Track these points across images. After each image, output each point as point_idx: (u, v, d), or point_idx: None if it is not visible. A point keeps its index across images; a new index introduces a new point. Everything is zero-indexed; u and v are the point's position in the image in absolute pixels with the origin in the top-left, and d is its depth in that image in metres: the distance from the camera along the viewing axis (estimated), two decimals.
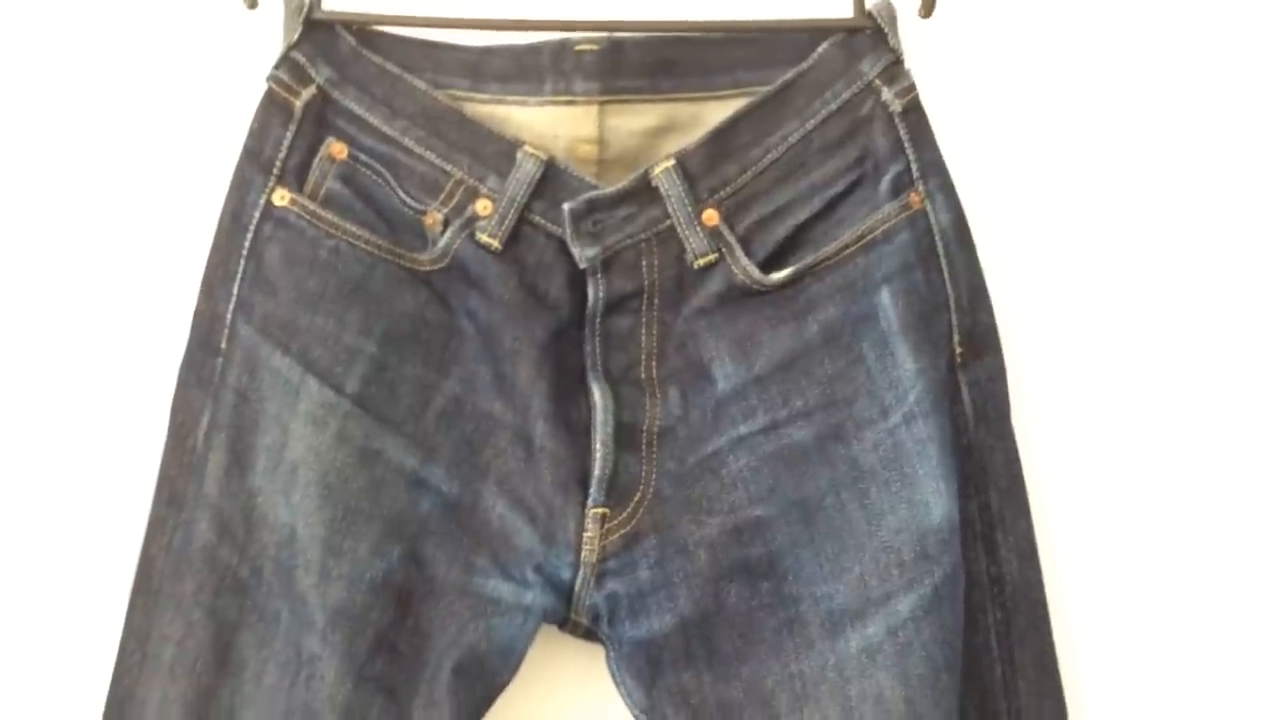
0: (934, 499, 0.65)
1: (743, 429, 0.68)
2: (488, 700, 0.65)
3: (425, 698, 0.64)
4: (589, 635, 0.69)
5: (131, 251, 0.74)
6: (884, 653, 0.64)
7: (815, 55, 0.70)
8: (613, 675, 0.67)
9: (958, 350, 0.69)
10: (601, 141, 0.71)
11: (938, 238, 0.68)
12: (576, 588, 0.66)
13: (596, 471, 0.67)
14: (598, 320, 0.68)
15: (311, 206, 0.68)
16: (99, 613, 0.69)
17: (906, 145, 0.69)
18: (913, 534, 0.65)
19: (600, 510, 0.67)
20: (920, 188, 0.69)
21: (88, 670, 0.69)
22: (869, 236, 0.68)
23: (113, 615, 0.68)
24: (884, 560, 0.65)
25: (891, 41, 0.70)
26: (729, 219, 0.69)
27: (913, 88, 0.69)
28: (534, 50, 0.70)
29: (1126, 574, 0.74)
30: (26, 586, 0.71)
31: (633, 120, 0.71)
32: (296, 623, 0.65)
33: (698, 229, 0.68)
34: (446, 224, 0.69)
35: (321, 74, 0.69)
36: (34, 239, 0.74)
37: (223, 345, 0.68)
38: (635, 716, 0.67)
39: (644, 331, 0.69)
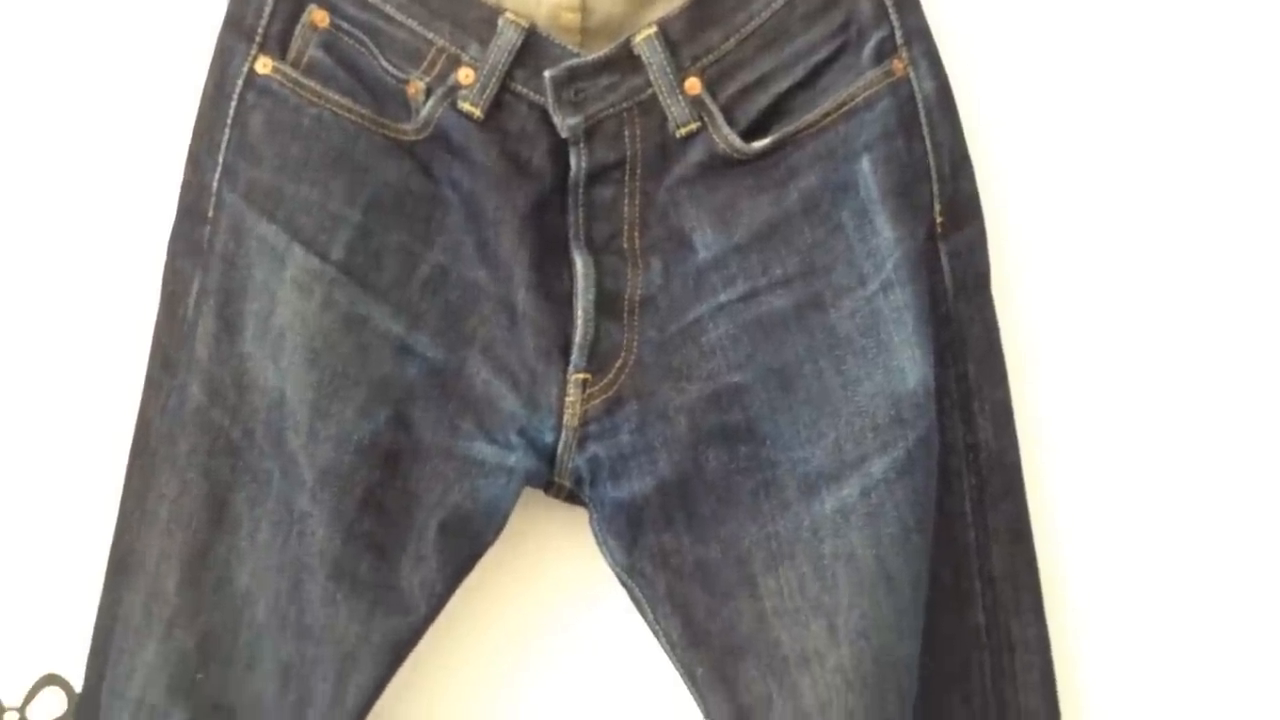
0: (909, 365, 0.66)
1: (723, 297, 0.69)
2: (473, 558, 0.68)
3: (413, 554, 0.67)
4: (572, 498, 0.71)
5: (119, 128, 0.74)
6: (857, 513, 0.66)
7: None
8: (595, 536, 0.69)
9: (938, 219, 0.69)
10: (584, 9, 0.70)
11: (920, 105, 0.68)
12: (559, 451, 0.68)
13: (578, 338, 0.68)
14: (580, 190, 0.69)
15: (294, 75, 0.68)
16: (101, 476, 0.72)
17: (891, 11, 0.69)
18: (887, 399, 0.66)
19: (582, 376, 0.68)
20: (904, 55, 0.69)
21: (92, 529, 0.72)
22: (851, 104, 0.68)
23: (114, 479, 0.70)
24: (859, 425, 0.67)
25: None
26: (711, 87, 0.68)
27: None
28: None
29: (1102, 443, 0.75)
30: (32, 454, 0.74)
31: None
32: (287, 482, 0.67)
33: (680, 98, 0.68)
34: (429, 93, 0.69)
35: None
36: (26, 110, 0.75)
37: (210, 214, 0.69)
38: (617, 575, 0.69)
39: (626, 201, 0.70)
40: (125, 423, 0.70)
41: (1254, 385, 0.76)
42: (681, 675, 0.67)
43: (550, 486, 0.70)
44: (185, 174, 0.70)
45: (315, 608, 0.65)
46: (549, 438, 0.68)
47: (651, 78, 0.68)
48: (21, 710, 0.73)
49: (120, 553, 0.69)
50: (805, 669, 0.65)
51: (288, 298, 0.66)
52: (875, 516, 0.66)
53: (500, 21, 0.68)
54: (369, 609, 0.65)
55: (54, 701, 0.73)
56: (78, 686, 0.70)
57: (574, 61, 0.68)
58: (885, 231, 0.67)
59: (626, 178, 0.69)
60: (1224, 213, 0.77)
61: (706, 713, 0.67)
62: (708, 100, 0.68)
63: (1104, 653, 0.74)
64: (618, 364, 0.69)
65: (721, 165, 0.68)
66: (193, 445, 0.67)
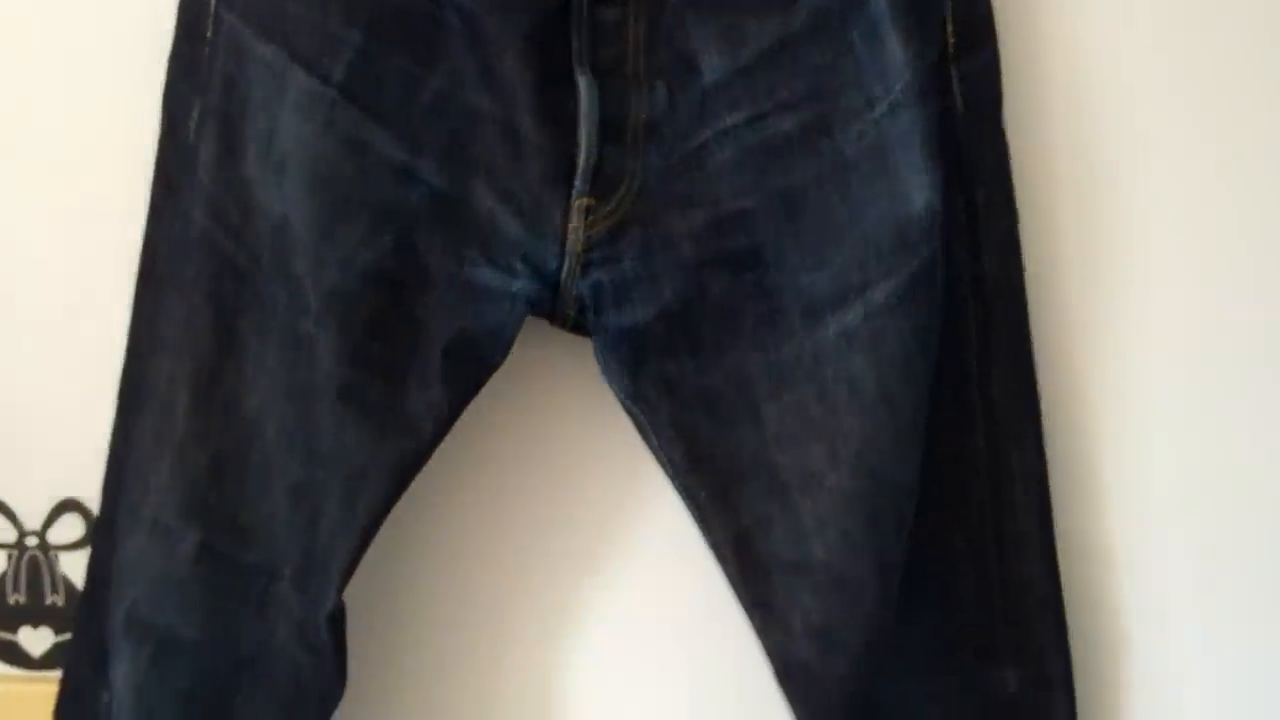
0: (915, 190, 0.66)
1: (728, 121, 0.68)
2: (478, 382, 0.68)
3: (419, 377, 0.67)
4: (577, 328, 0.71)
5: None
6: (859, 338, 0.66)
7: None
8: (599, 363, 0.69)
9: (951, 41, 0.68)
10: None
11: None
12: (562, 277, 0.68)
13: (581, 163, 0.67)
14: (584, 12, 0.67)
15: None
16: (112, 303, 0.71)
17: None
18: (893, 224, 0.66)
19: (585, 201, 0.68)
20: None
21: (107, 355, 0.72)
22: None
23: (125, 305, 0.70)
24: (864, 250, 0.66)
25: None
26: None
27: None
28: None
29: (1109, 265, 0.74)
30: (42, 284, 0.74)
31: None
32: (293, 307, 0.67)
33: None
34: None
35: None
36: None
37: (208, 34, 0.68)
38: (621, 402, 0.69)
39: (631, 24, 0.68)
40: (134, 248, 0.69)
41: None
42: (684, 499, 0.69)
43: (555, 315, 0.70)
44: None
45: (323, 431, 0.66)
46: (553, 264, 0.68)
47: None
48: (41, 534, 0.75)
49: (131, 378, 0.70)
50: (805, 490, 0.67)
51: (289, 120, 0.66)
52: (877, 341, 0.66)
53: None
54: (377, 431, 0.66)
55: (73, 525, 0.74)
56: (95, 511, 0.71)
57: None
58: (895, 51, 0.65)
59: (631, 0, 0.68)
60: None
61: (708, 534, 0.68)
62: None
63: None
64: (622, 190, 0.68)
65: None
66: (198, 270, 0.67)
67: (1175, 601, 0.75)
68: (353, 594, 0.67)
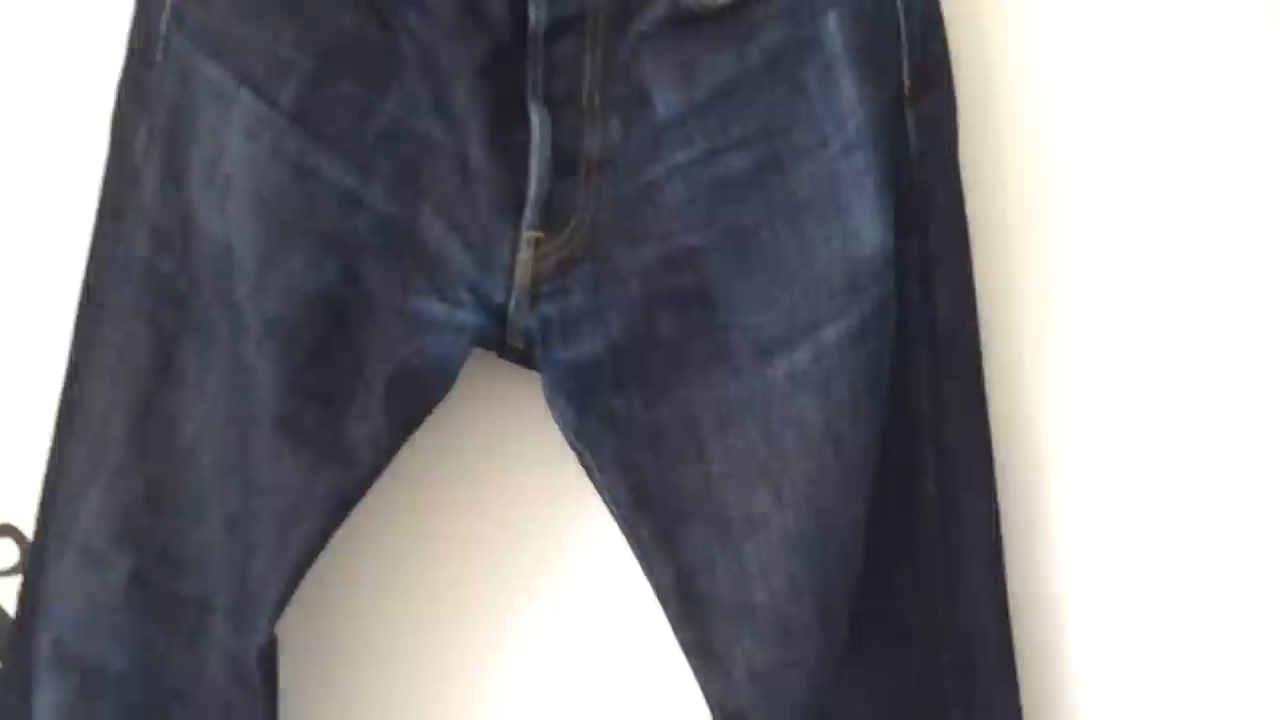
0: (867, 230, 0.65)
1: (681, 157, 0.67)
2: (420, 414, 0.67)
3: (360, 409, 0.66)
4: (525, 361, 0.70)
5: None
6: (808, 379, 0.65)
7: None
8: (546, 398, 0.68)
9: (906, 82, 0.67)
10: None
11: None
12: (510, 311, 0.67)
13: (532, 196, 0.67)
14: (540, 43, 0.67)
15: None
16: (55, 327, 0.70)
17: None
18: (844, 264, 0.65)
19: (534, 235, 0.67)
20: None
21: (47, 378, 0.71)
22: None
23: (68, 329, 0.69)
24: (814, 291, 0.66)
25: None
26: None
27: None
28: None
29: (1073, 303, 0.74)
30: None
31: None
32: (234, 334, 0.66)
33: None
34: None
35: None
36: None
37: (158, 57, 0.67)
38: (566, 438, 0.68)
39: (587, 57, 0.67)
40: (80, 270, 0.68)
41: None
42: (627, 538, 0.67)
43: (502, 348, 0.69)
44: (134, 16, 0.68)
45: (260, 460, 0.65)
46: (500, 297, 0.67)
47: None
48: None
49: (68, 402, 0.68)
50: (749, 532, 0.66)
51: (235, 144, 0.65)
52: (826, 382, 0.65)
53: None
54: (313, 461, 0.65)
55: (8, 551, 0.73)
56: (30, 536, 0.70)
57: None
58: (849, 91, 0.65)
59: (588, 32, 0.67)
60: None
61: (650, 574, 0.67)
62: None
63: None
64: (572, 224, 0.67)
65: (685, 20, 0.66)
66: (138, 294, 0.66)
67: (1129, 652, 0.74)
68: (286, 628, 0.66)
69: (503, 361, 0.70)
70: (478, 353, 0.70)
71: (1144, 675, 0.74)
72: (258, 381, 0.65)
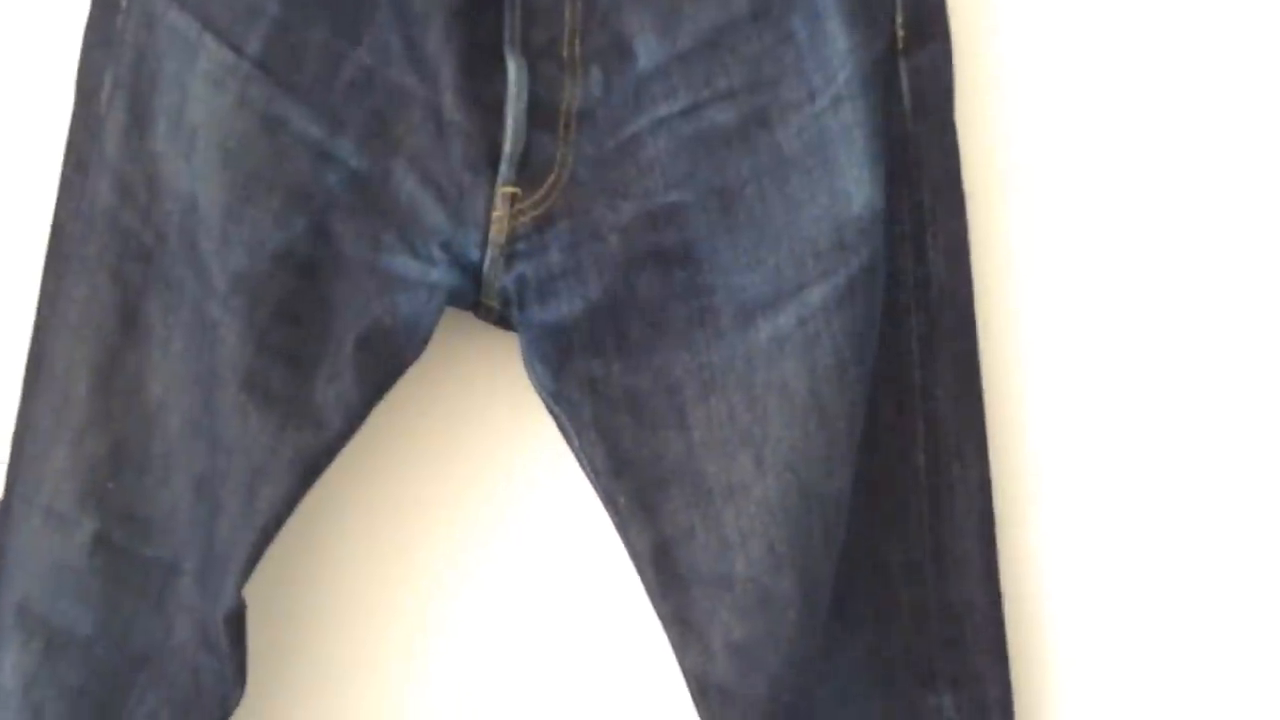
0: (856, 187, 0.63)
1: (663, 110, 0.65)
2: (392, 375, 0.65)
3: (328, 369, 0.64)
4: (502, 322, 0.68)
5: None
6: (792, 343, 0.63)
7: None
8: (523, 360, 0.66)
9: (900, 33, 0.65)
10: None
11: None
12: (485, 269, 0.65)
13: (507, 149, 0.64)
14: None
15: None
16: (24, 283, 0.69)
17: None
18: (831, 223, 0.63)
19: (510, 190, 0.65)
20: None
21: (14, 336, 0.69)
22: None
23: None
24: (800, 250, 0.63)
25: None
26: None
27: None
28: None
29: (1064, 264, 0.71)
30: None
31: None
32: (200, 290, 0.64)
33: None
34: None
35: None
36: None
37: (123, 3, 0.65)
38: (544, 401, 0.66)
39: (568, 4, 0.65)
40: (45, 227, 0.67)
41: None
42: (604, 504, 0.65)
43: (478, 308, 0.67)
44: None
45: (226, 419, 0.63)
46: (474, 254, 0.65)
47: None
48: None
49: (34, 358, 0.66)
50: (729, 500, 0.63)
51: (200, 93, 0.63)
52: (811, 346, 0.63)
53: None
54: (281, 422, 0.63)
55: None
56: None
57: None
58: (839, 41, 0.63)
59: None
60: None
61: (627, 543, 0.65)
62: None
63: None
64: (550, 179, 0.65)
65: None
66: (102, 248, 0.65)
67: (1123, 627, 0.71)
68: (256, 593, 0.64)
69: (479, 323, 0.68)
70: (453, 313, 0.67)
71: (1138, 649, 0.71)
72: (223, 339, 0.63)
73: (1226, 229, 0.73)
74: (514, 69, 0.65)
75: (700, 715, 0.64)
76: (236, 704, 0.64)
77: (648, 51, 0.65)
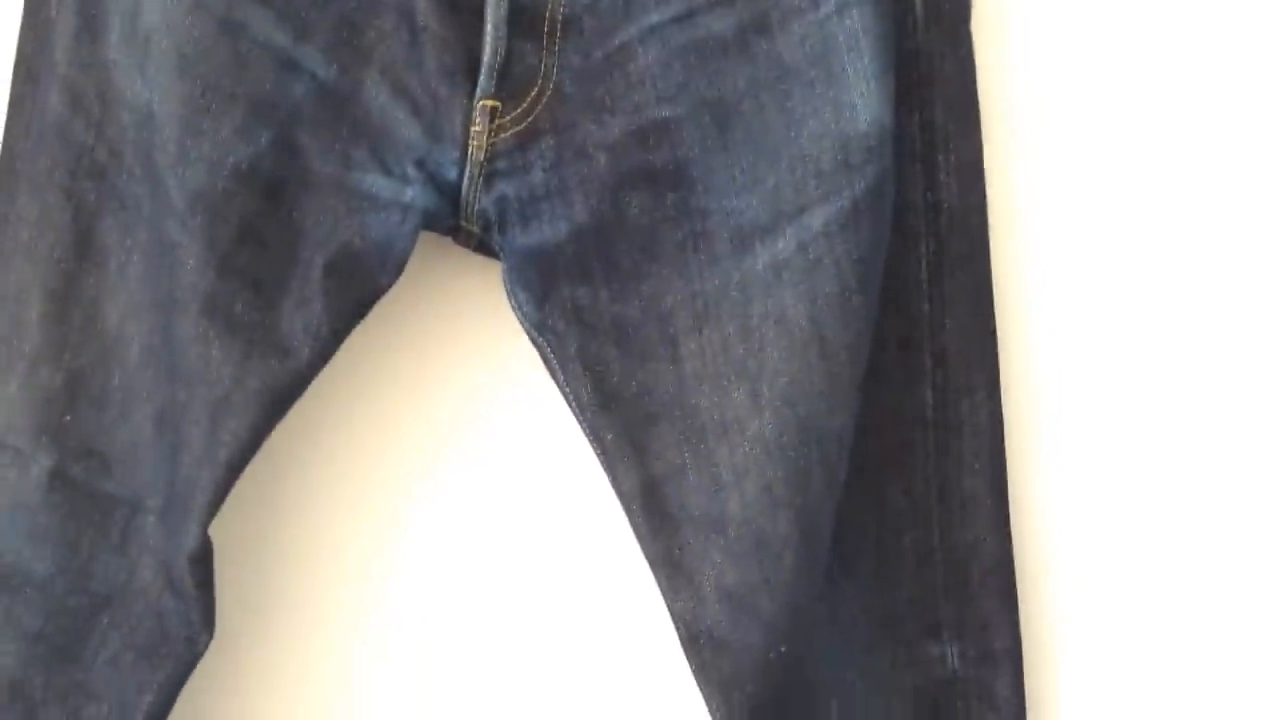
0: (862, 102, 0.59)
1: (654, 17, 0.60)
2: (365, 303, 0.61)
3: (296, 295, 0.60)
4: (484, 249, 0.64)
5: None
6: (791, 269, 0.59)
7: None
8: (505, 288, 0.62)
9: None
10: None
11: None
12: (464, 189, 0.61)
13: (486, 58, 0.60)
14: None
15: None
16: None
17: None
18: (835, 140, 0.59)
19: (490, 103, 0.60)
20: None
21: None
22: None
23: None
24: (801, 170, 0.59)
25: None
26: None
27: None
28: None
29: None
30: None
31: None
32: (158, 209, 0.60)
33: None
34: None
35: None
36: None
37: None
38: (527, 332, 0.63)
39: None
40: None
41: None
42: (590, 441, 0.62)
43: (458, 233, 0.64)
44: None
45: (186, 348, 0.59)
46: (452, 173, 0.61)
47: None
48: None
49: None
50: (723, 437, 0.60)
51: None
52: (811, 273, 0.59)
53: None
54: (244, 351, 0.59)
55: None
56: None
57: None
58: None
59: None
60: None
61: (615, 482, 0.62)
62: None
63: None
64: (533, 92, 0.61)
65: None
66: (53, 164, 0.61)
67: (1133, 572, 0.68)
68: (222, 531, 0.61)
69: (459, 249, 0.64)
70: (431, 240, 0.64)
71: (1153, 598, 0.68)
72: (182, 262, 0.59)
73: (1244, 159, 0.69)
74: None
75: (690, 663, 0.61)
76: (205, 648, 0.61)
77: None
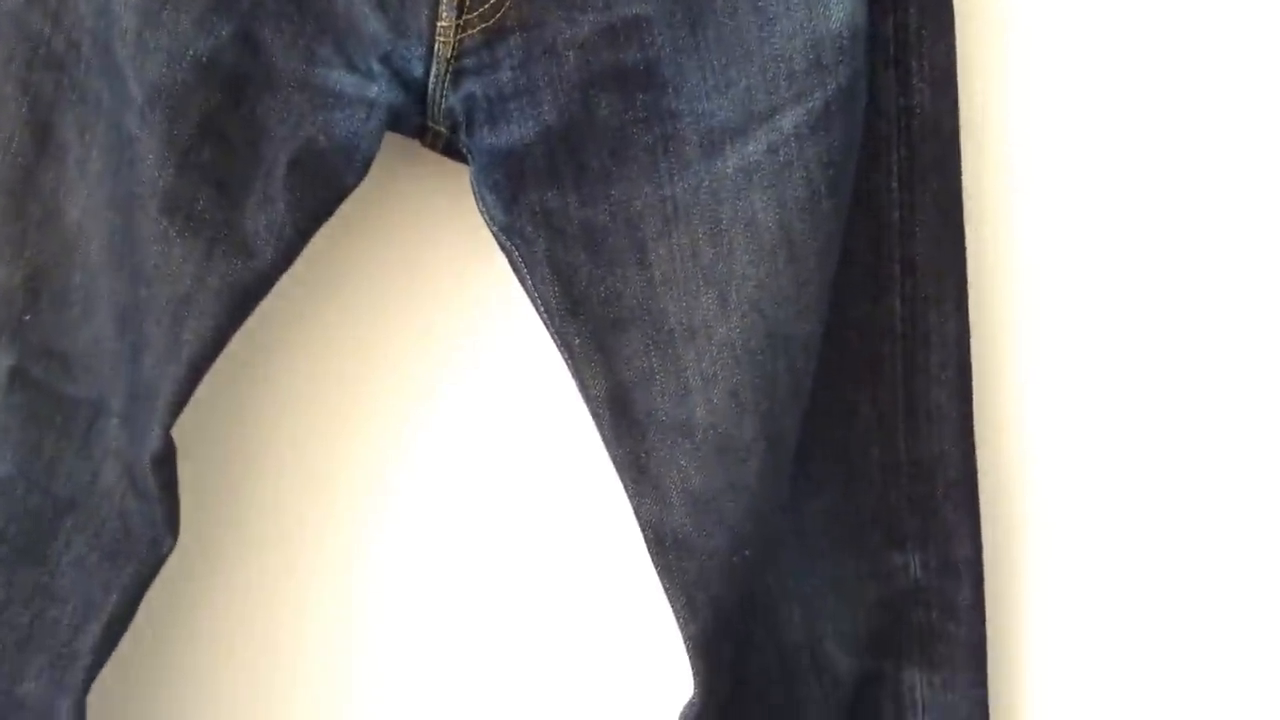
0: (835, 2, 0.57)
1: None
2: (329, 202, 0.60)
3: (259, 193, 0.59)
4: (450, 151, 0.63)
5: None
6: (761, 172, 0.58)
7: None
8: (473, 191, 0.61)
9: None
10: None
11: None
12: (430, 87, 0.60)
13: None
14: None
15: None
16: None
17: None
18: (807, 40, 0.58)
19: None
20: None
21: None
22: None
23: None
24: (773, 71, 0.58)
25: None
26: None
27: None
28: None
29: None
30: None
31: None
32: (117, 103, 0.59)
33: None
34: None
35: None
36: None
37: None
38: (494, 236, 0.62)
39: None
40: None
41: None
42: (557, 346, 0.61)
43: (425, 134, 0.62)
44: None
45: (147, 245, 0.58)
46: (418, 70, 0.60)
47: None
48: None
49: None
50: (691, 342, 0.60)
51: None
52: (781, 176, 0.58)
53: None
54: (206, 249, 0.58)
55: None
56: None
57: None
58: None
59: None
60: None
61: (582, 387, 0.61)
62: None
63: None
64: None
65: None
66: (9, 55, 0.59)
67: (1096, 487, 0.68)
68: (186, 433, 0.61)
69: (426, 153, 0.63)
70: (398, 142, 0.63)
71: (1115, 511, 0.69)
72: (142, 157, 0.58)
73: (1221, 89, 0.68)
74: None
75: (656, 566, 0.61)
76: (170, 550, 0.61)
77: None
